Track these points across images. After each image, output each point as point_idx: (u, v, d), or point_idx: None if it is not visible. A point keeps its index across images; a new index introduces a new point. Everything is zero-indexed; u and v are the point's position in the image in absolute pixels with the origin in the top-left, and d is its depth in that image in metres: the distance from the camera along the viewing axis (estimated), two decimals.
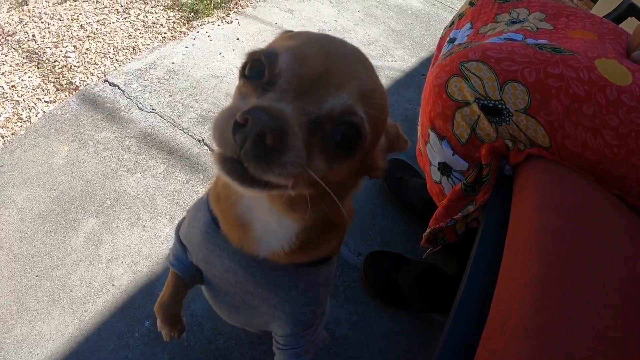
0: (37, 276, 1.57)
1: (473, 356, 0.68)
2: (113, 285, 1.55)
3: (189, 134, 1.94)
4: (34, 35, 2.30)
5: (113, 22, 2.42)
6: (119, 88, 2.07)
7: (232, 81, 2.18)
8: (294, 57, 0.53)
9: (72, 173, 1.79)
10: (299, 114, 0.49)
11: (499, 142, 0.97)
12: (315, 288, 0.84)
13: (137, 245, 1.63)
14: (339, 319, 1.55)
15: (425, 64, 2.47)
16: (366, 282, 1.60)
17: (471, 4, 1.40)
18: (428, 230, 1.16)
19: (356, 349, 1.50)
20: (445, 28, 1.45)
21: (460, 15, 1.40)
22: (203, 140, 1.92)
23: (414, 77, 2.36)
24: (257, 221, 0.72)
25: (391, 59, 2.45)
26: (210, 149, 1.91)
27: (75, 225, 1.66)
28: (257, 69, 0.55)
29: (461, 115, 0.98)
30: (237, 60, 2.26)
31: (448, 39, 1.38)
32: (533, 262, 0.70)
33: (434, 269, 1.55)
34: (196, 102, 2.05)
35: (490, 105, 0.95)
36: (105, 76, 2.12)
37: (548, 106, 0.91)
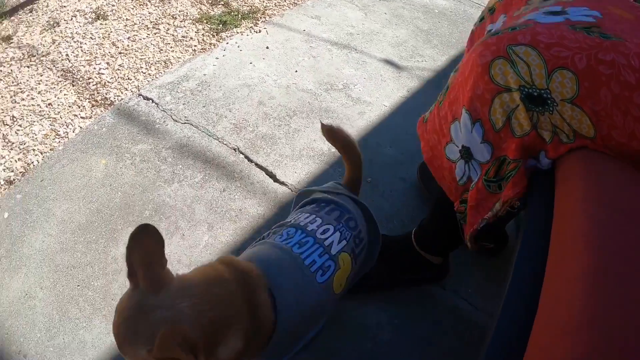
0: (78, 286, 1.66)
1: (522, 354, 0.67)
2: None
3: (224, 143, 2.00)
4: (67, 55, 2.41)
5: (144, 38, 2.52)
6: (153, 101, 2.15)
7: (264, 90, 2.25)
8: None
9: (110, 185, 1.86)
10: None
11: (530, 136, 0.97)
12: None
13: (176, 254, 1.68)
14: (380, 323, 1.58)
15: (455, 61, 2.50)
16: None
17: None
18: (469, 236, 1.18)
19: (398, 353, 1.53)
20: (475, 24, 1.45)
21: (490, 10, 1.40)
22: (238, 148, 1.99)
23: (445, 76, 2.37)
24: None
25: (421, 59, 2.48)
26: (245, 156, 1.94)
27: (115, 235, 1.73)
28: None
29: (500, 101, 0.97)
30: (267, 69, 2.33)
31: (485, 32, 1.38)
32: (582, 255, 0.70)
33: None
34: (230, 111, 2.12)
35: (535, 94, 0.94)
36: (139, 90, 2.22)
37: (597, 95, 0.91)
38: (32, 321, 1.59)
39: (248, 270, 0.91)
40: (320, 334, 1.13)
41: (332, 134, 1.36)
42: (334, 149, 2.02)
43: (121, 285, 1.64)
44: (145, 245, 0.81)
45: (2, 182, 1.93)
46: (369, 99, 2.24)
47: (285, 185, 1.90)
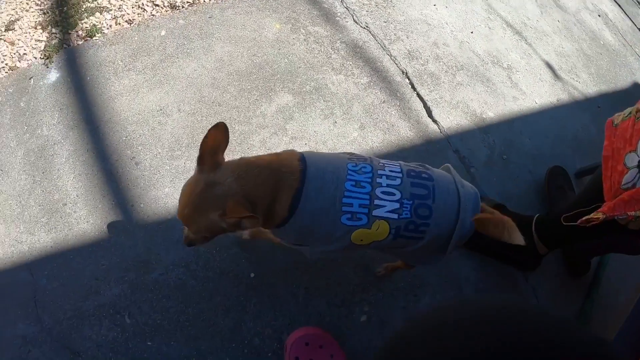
0: None
1: None
2: None
3: (396, 62, 2.06)
4: None
5: None
6: None
7: (441, 34, 2.29)
8: None
9: (279, 49, 1.92)
10: None
11: None
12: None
13: (323, 135, 1.75)
14: (468, 280, 1.70)
15: (604, 97, 2.53)
16: None
17: None
18: (602, 216, 1.31)
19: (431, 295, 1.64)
20: (617, 116, 1.47)
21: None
22: (407, 73, 2.05)
23: (591, 105, 2.42)
24: None
25: (576, 78, 2.52)
26: (410, 83, 2.00)
27: (270, 94, 1.80)
28: None
29: None
30: (447, 18, 2.37)
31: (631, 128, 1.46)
32: None
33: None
34: (407, 37, 2.18)
35: None
36: None
37: None
38: (158, 136, 1.66)
39: (291, 172, 1.06)
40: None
41: (483, 224, 1.23)
42: (485, 115, 2.09)
43: (262, 139, 1.70)
44: (216, 137, 1.03)
45: (166, 4, 1.99)
46: (524, 89, 2.27)
47: (437, 124, 1.95)
